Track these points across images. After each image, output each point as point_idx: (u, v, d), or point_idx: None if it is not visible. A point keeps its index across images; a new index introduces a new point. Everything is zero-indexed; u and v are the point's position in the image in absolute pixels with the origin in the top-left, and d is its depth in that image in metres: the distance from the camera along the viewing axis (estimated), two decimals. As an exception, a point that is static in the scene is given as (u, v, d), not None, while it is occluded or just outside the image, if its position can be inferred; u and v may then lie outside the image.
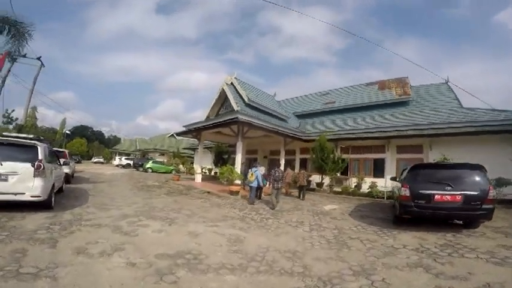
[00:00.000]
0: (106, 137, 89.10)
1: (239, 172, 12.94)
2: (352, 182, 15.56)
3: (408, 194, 6.44)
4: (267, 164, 19.88)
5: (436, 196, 6.16)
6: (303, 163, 18.93)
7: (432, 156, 13.82)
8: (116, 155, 45.49)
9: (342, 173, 16.02)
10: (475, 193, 6.00)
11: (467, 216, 6.22)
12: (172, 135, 46.62)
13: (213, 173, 24.58)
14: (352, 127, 17.86)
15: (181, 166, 29.92)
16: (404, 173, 9.76)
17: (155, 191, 12.34)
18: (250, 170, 10.32)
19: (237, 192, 11.30)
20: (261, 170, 11.04)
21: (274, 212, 8.76)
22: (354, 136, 16.13)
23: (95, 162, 44.62)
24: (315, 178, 16.63)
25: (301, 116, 23.15)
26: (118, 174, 21.52)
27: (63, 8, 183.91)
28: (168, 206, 8.81)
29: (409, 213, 6.50)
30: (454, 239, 5.76)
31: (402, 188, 6.62)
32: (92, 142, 69.84)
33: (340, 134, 16.89)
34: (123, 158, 37.29)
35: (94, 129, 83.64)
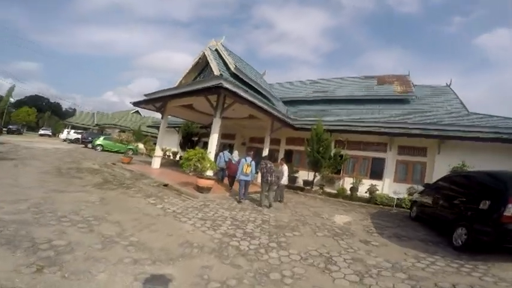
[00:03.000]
0: (64, 109, 78.21)
1: (213, 159, 9.03)
2: (346, 182, 12.56)
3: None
4: (245, 152, 16.21)
5: None
6: (288, 155, 15.59)
7: (440, 160, 11.58)
8: (68, 128, 38.32)
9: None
10: None
11: None
12: (137, 111, 40.51)
13: (178, 158, 20.28)
14: (345, 120, 14.79)
15: (141, 146, 25.15)
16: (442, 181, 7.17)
17: (83, 179, 8.10)
18: (244, 159, 7.71)
19: (208, 189, 7.49)
20: (235, 156, 9.33)
21: (273, 230, 5.20)
22: (354, 129, 13.05)
23: (41, 135, 37.02)
24: (301, 175, 13.44)
25: (287, 103, 19.64)
26: (53, 150, 16.35)
27: None
28: (83, 209, 4.89)
29: None
30: None
31: (510, 205, 4.16)
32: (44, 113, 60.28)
33: (337, 125, 13.71)
34: (72, 131, 30.77)
35: (51, 100, 72.58)
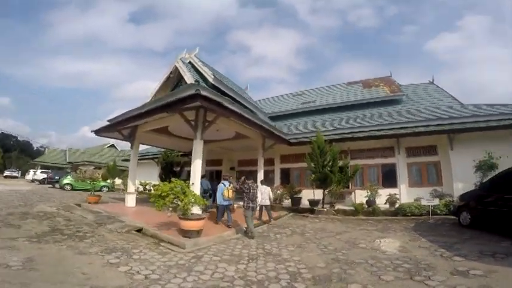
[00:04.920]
0: (35, 148, 72.13)
1: (199, 192, 6.91)
2: (358, 196, 10.61)
3: None
4: (235, 177, 14.01)
5: None
6: (285, 174, 13.61)
7: (456, 157, 10.11)
8: (36, 168, 34.19)
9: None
10: None
11: None
12: (112, 145, 37.22)
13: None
14: (344, 127, 13.24)
15: (118, 181, 22.45)
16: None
17: (20, 228, 5.57)
18: (223, 184, 7.22)
19: (197, 232, 5.21)
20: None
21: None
22: (357, 136, 11.44)
23: (6, 177, 32.77)
24: (305, 194, 11.32)
25: (274, 118, 17.98)
26: (7, 193, 13.24)
27: (21, 6, 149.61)
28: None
29: None
30: None
31: None
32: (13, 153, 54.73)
33: (336, 134, 12.07)
34: (39, 171, 27.22)
35: (19, 139, 66.61)
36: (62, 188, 18.77)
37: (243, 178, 7.49)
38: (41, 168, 32.50)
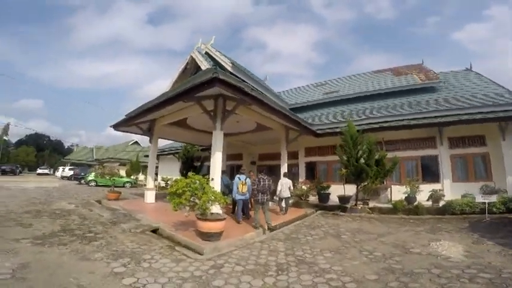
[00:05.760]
0: (66, 146, 76.16)
1: (219, 188, 6.34)
2: (395, 192, 9.44)
3: None
4: (256, 172, 13.26)
5: None
6: (310, 169, 12.63)
7: (507, 148, 8.78)
8: (65, 166, 35.73)
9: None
10: None
11: None
12: (136, 142, 37.94)
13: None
14: (379, 115, 11.94)
15: (142, 177, 22.75)
16: None
17: (30, 227, 5.15)
18: (238, 178, 6.84)
19: (217, 235, 4.48)
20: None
21: None
22: (394, 124, 10.23)
23: (39, 174, 34.52)
24: (333, 190, 10.26)
25: (295, 110, 16.86)
26: (33, 190, 13.44)
27: (43, 12, 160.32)
28: None
29: None
30: None
31: None
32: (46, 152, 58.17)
33: (369, 124, 10.89)
34: (67, 168, 28.36)
35: (51, 138, 70.56)
36: (87, 184, 19.23)
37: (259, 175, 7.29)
38: (70, 166, 33.86)
